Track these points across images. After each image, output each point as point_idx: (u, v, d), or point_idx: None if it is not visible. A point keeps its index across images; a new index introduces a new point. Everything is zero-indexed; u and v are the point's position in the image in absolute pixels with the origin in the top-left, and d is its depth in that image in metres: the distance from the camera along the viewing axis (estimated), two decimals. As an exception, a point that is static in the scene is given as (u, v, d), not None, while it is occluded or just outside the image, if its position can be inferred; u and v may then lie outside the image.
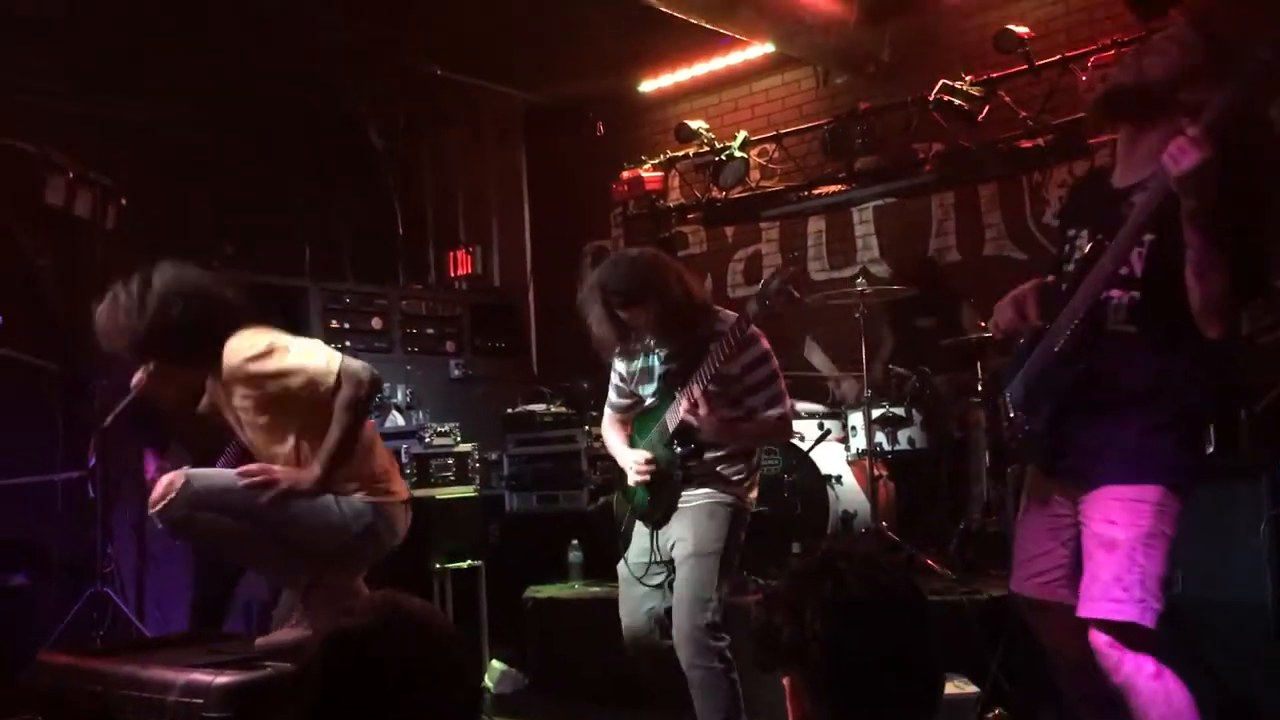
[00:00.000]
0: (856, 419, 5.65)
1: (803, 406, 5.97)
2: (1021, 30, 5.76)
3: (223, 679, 2.99)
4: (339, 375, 3.32)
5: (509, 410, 6.82)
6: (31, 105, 6.29)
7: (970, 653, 3.96)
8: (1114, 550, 2.52)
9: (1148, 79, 2.57)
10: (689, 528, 3.64)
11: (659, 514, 3.75)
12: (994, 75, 5.96)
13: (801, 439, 5.54)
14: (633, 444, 3.91)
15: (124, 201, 5.86)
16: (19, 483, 5.37)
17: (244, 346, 3.33)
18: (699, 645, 3.52)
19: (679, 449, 3.70)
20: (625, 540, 3.87)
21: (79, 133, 6.30)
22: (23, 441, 5.49)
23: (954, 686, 3.71)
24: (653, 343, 3.83)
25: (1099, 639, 2.52)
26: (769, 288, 3.55)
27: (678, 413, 3.65)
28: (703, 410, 3.57)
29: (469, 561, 5.74)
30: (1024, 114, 5.90)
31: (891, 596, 1.59)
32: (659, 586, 3.73)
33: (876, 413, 5.51)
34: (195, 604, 5.47)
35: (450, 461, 6.00)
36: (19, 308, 5.53)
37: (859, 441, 5.60)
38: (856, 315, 5.54)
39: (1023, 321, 2.78)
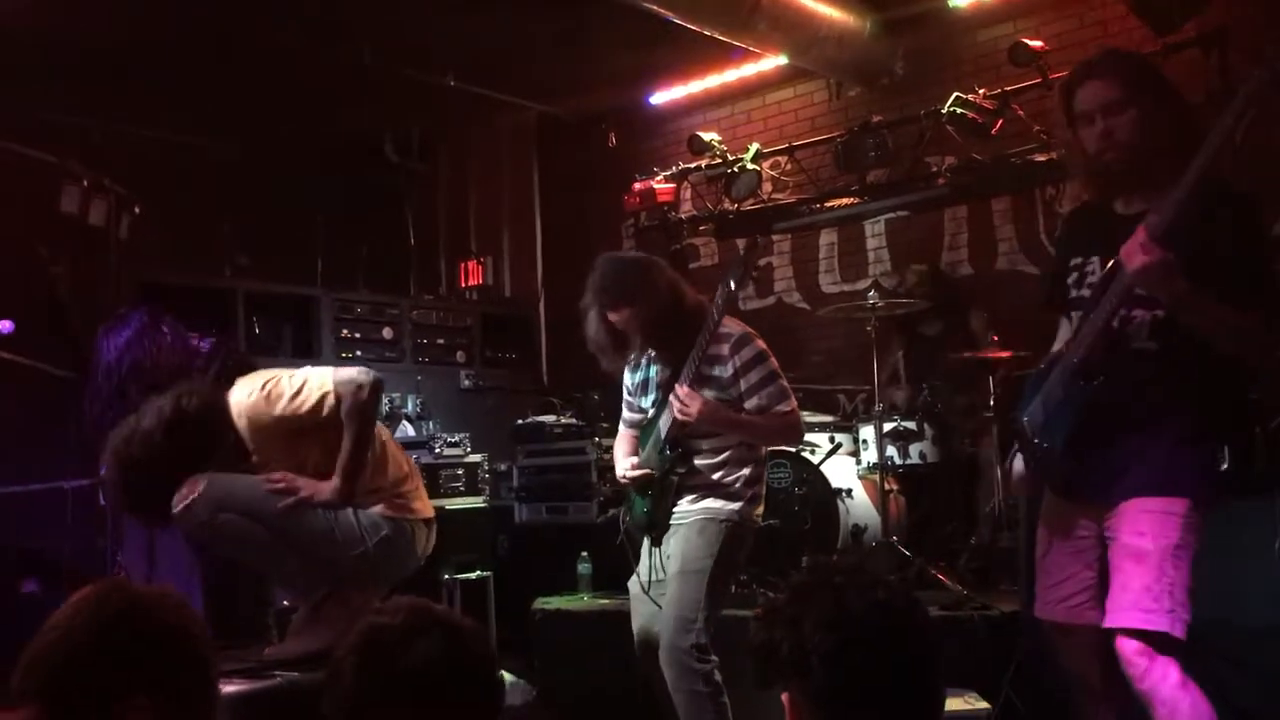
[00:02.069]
0: (868, 432, 5.63)
1: (814, 419, 5.96)
2: (1036, 44, 5.76)
3: (231, 688, 2.98)
4: (336, 389, 3.30)
5: (519, 421, 6.82)
6: (49, 118, 6.32)
7: (981, 668, 3.94)
8: (1144, 561, 2.57)
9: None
10: (679, 545, 3.57)
11: (655, 524, 3.68)
12: (1008, 89, 5.95)
13: (812, 452, 5.53)
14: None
15: (138, 210, 5.88)
16: (29, 490, 5.38)
17: (241, 403, 3.34)
18: (682, 667, 3.42)
19: (668, 453, 3.63)
20: (635, 555, 3.80)
21: (95, 143, 6.33)
22: (34, 448, 5.50)
23: (964, 703, 3.68)
24: (651, 353, 3.79)
25: (1127, 646, 2.56)
26: (734, 270, 3.52)
27: (671, 416, 3.58)
28: (691, 404, 3.50)
29: (478, 572, 5.74)
30: (1038, 128, 5.88)
31: (889, 610, 1.59)
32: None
33: (888, 426, 5.49)
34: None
35: (460, 472, 6.01)
36: (33, 315, 5.54)
37: (870, 455, 5.57)
38: (868, 329, 5.52)
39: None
